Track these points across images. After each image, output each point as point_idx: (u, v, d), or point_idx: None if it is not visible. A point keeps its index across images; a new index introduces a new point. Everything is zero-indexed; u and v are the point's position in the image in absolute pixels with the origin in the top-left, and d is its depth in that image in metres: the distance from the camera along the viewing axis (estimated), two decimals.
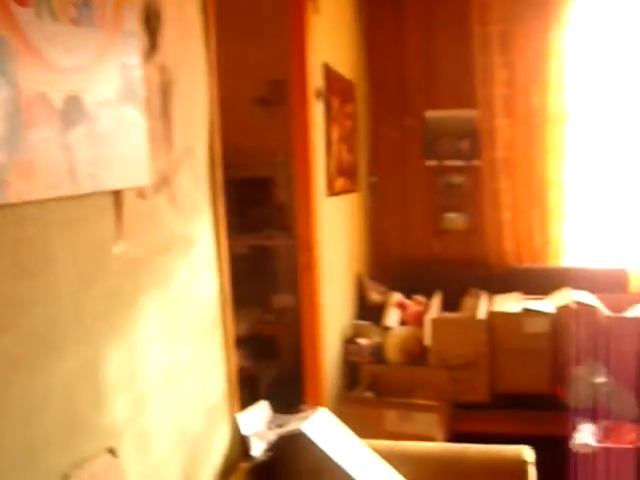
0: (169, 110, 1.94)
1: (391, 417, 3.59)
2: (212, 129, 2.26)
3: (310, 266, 3.44)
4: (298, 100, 3.33)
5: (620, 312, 4.05)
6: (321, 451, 2.29)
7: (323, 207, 3.62)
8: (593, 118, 4.59)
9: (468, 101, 4.67)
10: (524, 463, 2.64)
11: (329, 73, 3.77)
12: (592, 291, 4.11)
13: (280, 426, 2.52)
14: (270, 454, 2.38)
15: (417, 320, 4.07)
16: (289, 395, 3.53)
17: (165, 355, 1.95)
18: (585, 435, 3.45)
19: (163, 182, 1.90)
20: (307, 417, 2.48)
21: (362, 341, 4.01)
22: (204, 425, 2.21)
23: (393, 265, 4.76)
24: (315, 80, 3.51)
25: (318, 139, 3.56)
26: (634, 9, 4.41)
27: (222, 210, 2.31)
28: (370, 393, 3.81)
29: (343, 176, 4.09)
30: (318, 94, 3.52)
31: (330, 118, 3.79)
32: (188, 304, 2.10)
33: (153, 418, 1.86)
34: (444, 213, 4.83)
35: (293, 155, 3.42)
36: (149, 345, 1.85)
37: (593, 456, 3.38)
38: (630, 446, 3.41)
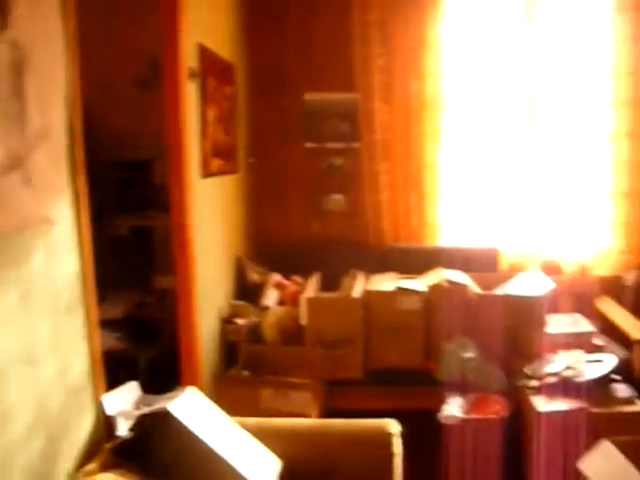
0: (22, 89, 1.90)
1: (267, 395, 3.65)
2: (72, 109, 2.23)
3: (184, 246, 3.44)
4: (170, 80, 3.31)
5: (491, 290, 4.23)
6: (186, 429, 2.31)
7: (198, 188, 3.62)
8: (468, 105, 4.75)
9: (348, 84, 4.74)
10: (389, 435, 2.73)
11: (204, 54, 3.75)
12: (465, 270, 4.28)
13: (148, 406, 2.53)
14: (135, 433, 2.38)
15: (295, 300, 4.13)
16: (169, 376, 3.53)
17: (21, 335, 1.93)
18: (453, 407, 3.60)
19: (15, 162, 1.86)
20: (175, 396, 2.49)
21: (240, 321, 4.04)
22: (66, 406, 2.20)
23: (274, 246, 4.80)
24: (189, 60, 3.49)
25: (191, 120, 3.54)
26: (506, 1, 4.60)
27: (83, 191, 2.29)
28: (247, 372, 3.85)
29: (220, 157, 4.09)
30: (192, 74, 3.51)
31: (205, 99, 3.78)
32: (46, 284, 2.07)
33: (7, 398, 1.84)
34: (325, 194, 4.91)
35: (166, 136, 3.39)
36: (1, 324, 1.82)
37: (460, 427, 3.53)
38: (495, 416, 3.58)
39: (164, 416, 2.34)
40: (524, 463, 3.54)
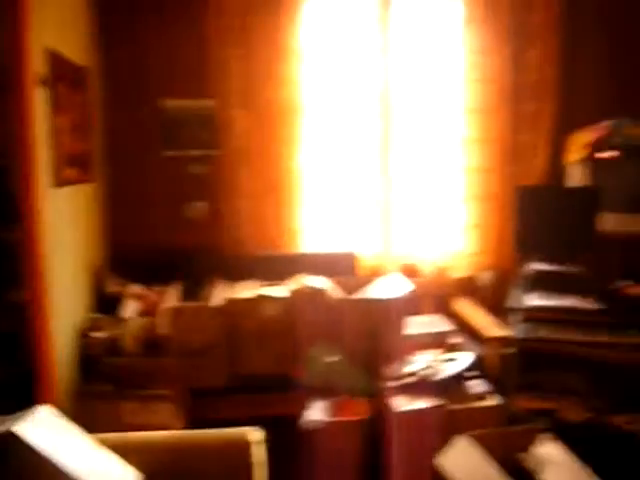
0: None
1: (129, 409, 3.57)
2: None
3: (34, 258, 3.31)
4: (17, 87, 3.17)
5: (352, 294, 4.30)
6: (33, 450, 2.21)
7: (50, 198, 3.49)
8: (326, 111, 4.82)
9: (207, 91, 4.70)
10: (248, 444, 2.72)
11: (55, 59, 3.62)
12: (327, 275, 4.33)
13: None
14: None
15: (156, 310, 4.06)
16: (27, 395, 3.39)
17: None
18: (316, 412, 3.63)
19: None
20: (24, 416, 2.38)
21: (99, 334, 3.93)
22: None
23: (135, 256, 4.68)
24: (37, 66, 3.36)
25: (41, 128, 3.41)
26: (363, 11, 4.72)
27: None
28: (108, 386, 3.75)
29: (74, 166, 3.96)
30: (41, 81, 3.38)
31: (57, 106, 3.65)
32: None
33: None
34: (186, 202, 4.85)
35: (14, 144, 3.25)
36: None
37: (324, 431, 3.56)
38: (358, 418, 3.64)
39: (9, 438, 2.23)
40: (385, 462, 3.62)
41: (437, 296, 4.89)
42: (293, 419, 3.61)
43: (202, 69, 4.64)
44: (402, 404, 3.60)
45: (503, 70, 4.84)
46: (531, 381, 4.36)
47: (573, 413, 4.28)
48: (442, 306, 4.84)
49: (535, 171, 4.93)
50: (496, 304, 4.55)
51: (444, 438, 3.08)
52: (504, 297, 4.22)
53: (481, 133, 4.88)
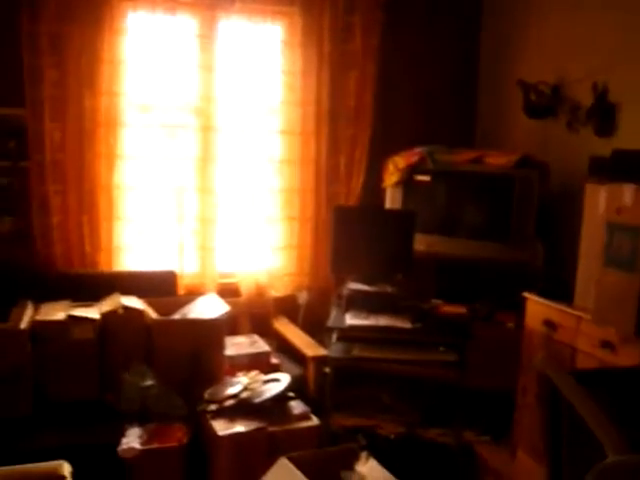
0: None
1: None
2: None
3: None
4: None
5: (169, 314, 4.19)
6: None
7: None
8: (146, 125, 4.67)
9: (16, 99, 4.40)
10: (61, 478, 2.55)
11: None
12: (144, 295, 4.18)
13: None
14: None
15: None
16: None
17: None
18: (131, 439, 3.47)
19: None
20: None
21: None
22: None
23: None
24: None
25: None
26: (188, 26, 4.65)
27: None
28: None
29: None
30: None
31: None
32: None
33: None
34: None
35: None
36: None
37: (139, 459, 3.41)
38: (175, 445, 3.51)
39: None
40: None
41: (256, 315, 4.86)
42: (109, 447, 3.42)
43: (13, 74, 4.32)
44: (223, 428, 3.52)
45: (321, 94, 4.92)
46: (349, 399, 4.45)
47: (388, 429, 4.41)
48: (261, 325, 4.82)
49: (353, 193, 5.05)
50: (317, 323, 4.59)
51: (266, 461, 3.04)
52: (324, 316, 4.26)
53: (299, 154, 4.92)
